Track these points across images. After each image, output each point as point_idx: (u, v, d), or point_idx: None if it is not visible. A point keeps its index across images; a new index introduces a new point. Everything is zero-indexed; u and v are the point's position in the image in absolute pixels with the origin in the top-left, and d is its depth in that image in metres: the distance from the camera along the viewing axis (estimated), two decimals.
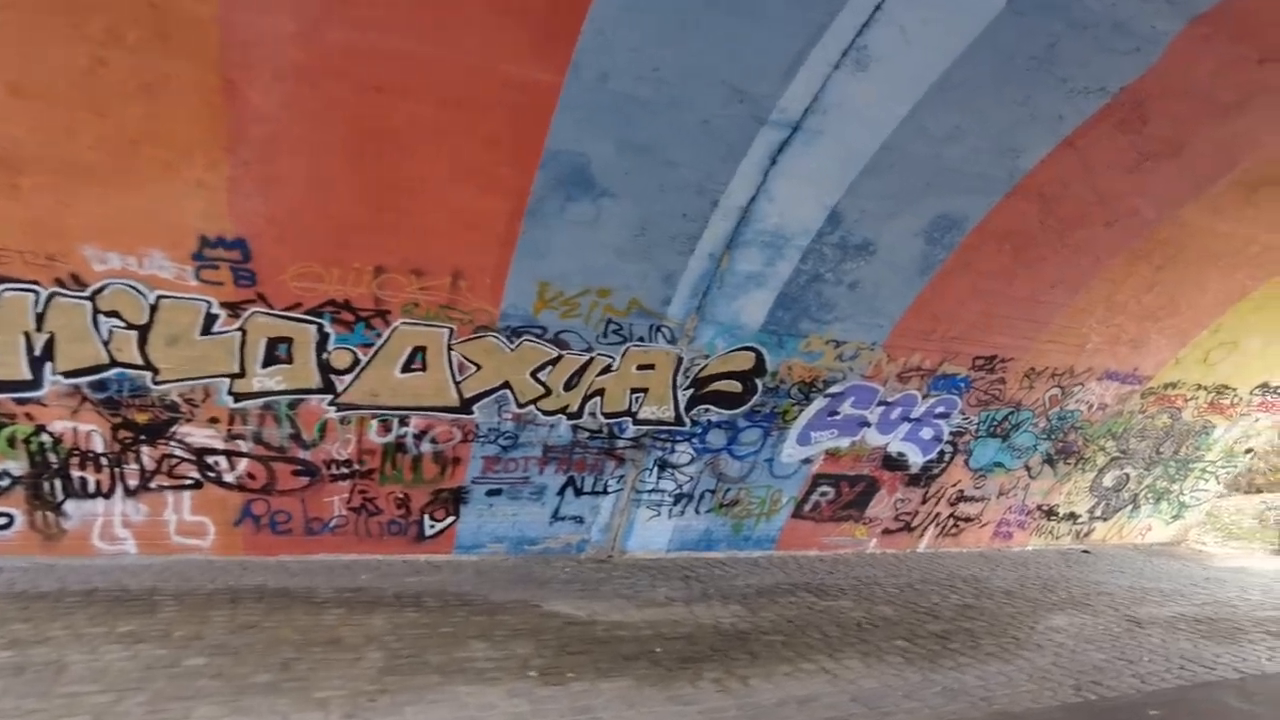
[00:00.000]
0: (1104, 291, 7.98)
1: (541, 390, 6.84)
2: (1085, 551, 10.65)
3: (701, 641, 5.42)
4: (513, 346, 6.49)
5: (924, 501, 9.30)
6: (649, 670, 4.79)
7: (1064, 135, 5.97)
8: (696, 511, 8.20)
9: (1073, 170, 6.31)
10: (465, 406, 6.68)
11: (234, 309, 5.75)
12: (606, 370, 6.96)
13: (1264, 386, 10.29)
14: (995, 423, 9.01)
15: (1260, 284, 8.41)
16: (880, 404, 8.19)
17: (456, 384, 6.54)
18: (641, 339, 6.88)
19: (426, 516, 7.13)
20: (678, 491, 7.99)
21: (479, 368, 6.52)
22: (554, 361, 6.71)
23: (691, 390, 7.40)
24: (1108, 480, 10.58)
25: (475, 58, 4.59)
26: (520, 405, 6.84)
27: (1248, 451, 11.64)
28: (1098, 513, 10.89)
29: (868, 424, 8.29)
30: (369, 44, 4.53)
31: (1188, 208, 7.08)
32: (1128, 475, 10.68)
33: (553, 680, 4.54)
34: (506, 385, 6.70)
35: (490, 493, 7.21)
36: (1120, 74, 5.47)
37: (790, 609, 6.47)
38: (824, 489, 8.62)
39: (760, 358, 7.40)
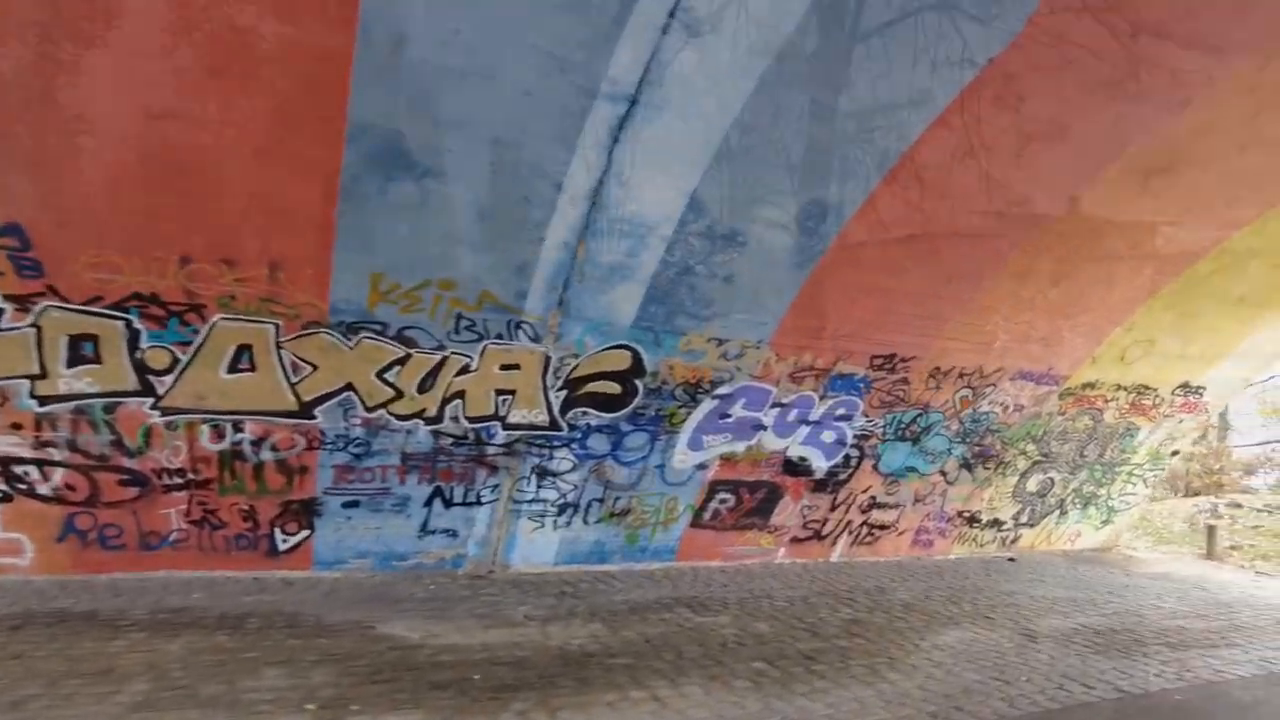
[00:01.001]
0: (1008, 287, 7.61)
1: (391, 393, 6.33)
2: (1010, 559, 10.26)
3: (533, 667, 4.92)
4: (350, 344, 5.98)
5: (833, 509, 8.86)
6: (450, 701, 4.28)
7: (937, 113, 5.57)
8: (585, 522, 7.70)
9: (953, 153, 5.92)
10: (305, 411, 6.15)
11: (22, 302, 5.20)
12: (465, 371, 6.47)
13: (1185, 387, 9.98)
14: (903, 425, 8.59)
15: (1170, 280, 8.07)
16: (774, 406, 7.75)
17: (292, 386, 6.02)
18: (500, 336, 6.39)
19: (277, 530, 6.60)
20: (561, 501, 7.50)
21: (315, 368, 6.00)
22: (401, 361, 6.21)
23: (565, 392, 6.92)
24: (1031, 485, 10.22)
25: (243, 17, 4.10)
26: (369, 409, 6.33)
27: (1174, 454, 11.34)
28: (1023, 519, 10.51)
29: (763, 427, 7.85)
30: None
31: (1083, 197, 6.71)
32: (1052, 480, 10.32)
33: (332, 714, 4.02)
34: (350, 387, 6.18)
35: (347, 504, 6.68)
36: (985, 45, 5.08)
37: (656, 627, 5.99)
38: (723, 496, 8.17)
39: (637, 356, 6.93)
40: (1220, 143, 6.27)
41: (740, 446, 7.89)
